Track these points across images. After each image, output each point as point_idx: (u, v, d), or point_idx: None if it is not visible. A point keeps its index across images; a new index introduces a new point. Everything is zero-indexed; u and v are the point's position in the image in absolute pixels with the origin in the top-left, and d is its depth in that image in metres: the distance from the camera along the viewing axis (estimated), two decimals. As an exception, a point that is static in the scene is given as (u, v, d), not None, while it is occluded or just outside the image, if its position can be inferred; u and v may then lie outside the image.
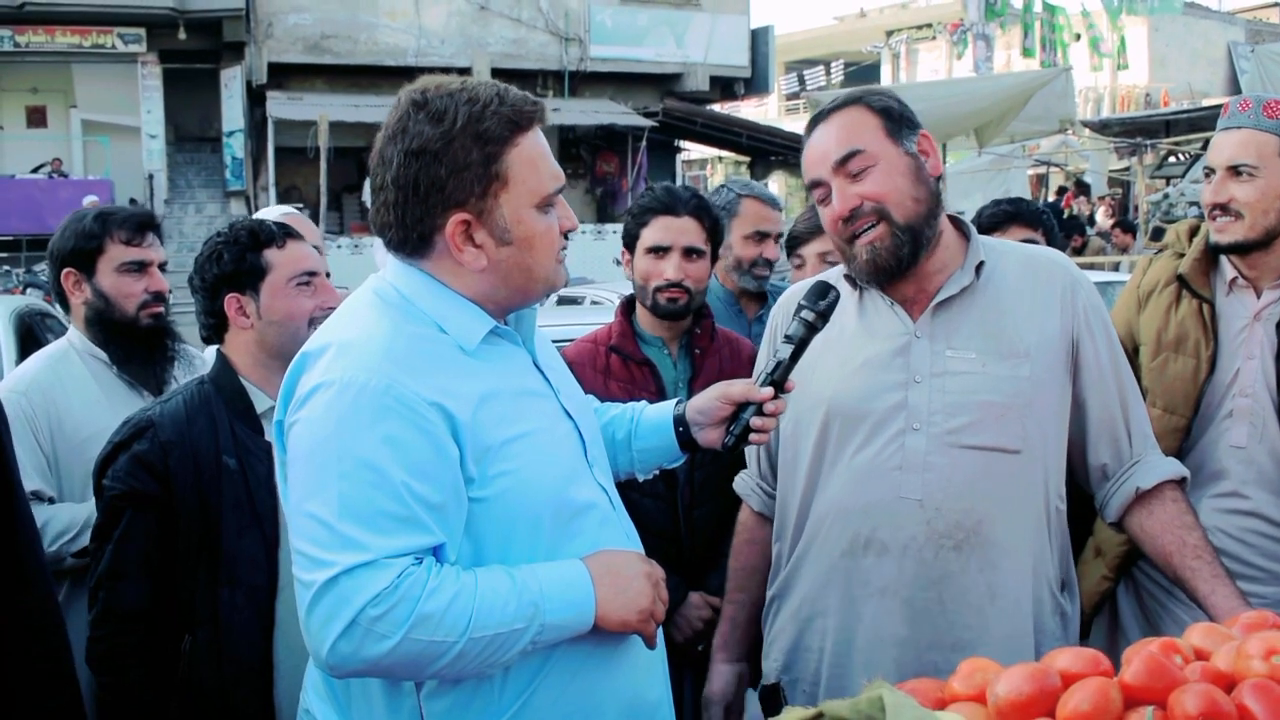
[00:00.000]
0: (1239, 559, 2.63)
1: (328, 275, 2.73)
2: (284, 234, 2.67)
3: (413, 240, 1.85)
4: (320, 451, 1.74)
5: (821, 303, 2.18)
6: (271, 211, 3.96)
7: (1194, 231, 2.88)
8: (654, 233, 3.06)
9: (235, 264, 2.59)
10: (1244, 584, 2.57)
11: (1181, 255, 2.85)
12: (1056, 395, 2.29)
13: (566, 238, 1.96)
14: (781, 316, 2.50)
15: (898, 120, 2.28)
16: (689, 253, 3.04)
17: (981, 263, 2.31)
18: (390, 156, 1.82)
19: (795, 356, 2.16)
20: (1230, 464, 2.69)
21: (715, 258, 3.19)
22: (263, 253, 2.61)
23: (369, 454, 1.70)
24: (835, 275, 2.43)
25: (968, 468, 2.23)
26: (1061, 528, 2.34)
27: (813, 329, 2.17)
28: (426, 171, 1.79)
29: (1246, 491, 2.67)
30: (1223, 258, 2.77)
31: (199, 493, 2.47)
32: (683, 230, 3.04)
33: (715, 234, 3.14)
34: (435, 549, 1.75)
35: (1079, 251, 13.22)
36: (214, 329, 2.67)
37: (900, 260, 2.25)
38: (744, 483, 2.64)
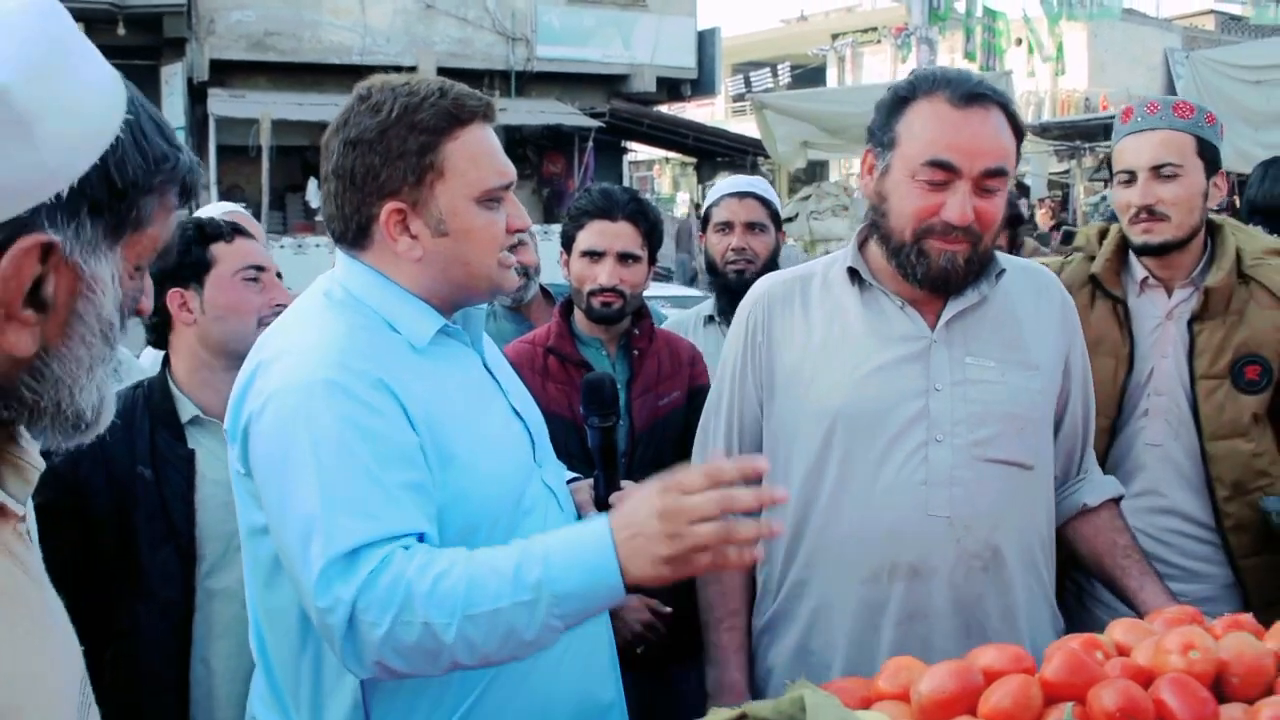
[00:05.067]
0: (1159, 559, 2.64)
1: (279, 275, 2.68)
2: (233, 230, 2.63)
3: (352, 230, 1.87)
4: (287, 459, 1.70)
5: (606, 409, 2.08)
6: (215, 208, 3.90)
7: (1103, 234, 2.92)
8: (589, 236, 3.04)
9: (180, 257, 2.53)
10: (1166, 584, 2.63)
11: (1093, 258, 2.88)
12: (1053, 410, 2.27)
13: (518, 239, 1.95)
14: (761, 313, 2.31)
15: (1020, 145, 2.20)
16: (624, 258, 3.03)
17: (1002, 271, 2.23)
18: (333, 148, 1.86)
19: (610, 464, 2.06)
20: (1147, 461, 2.73)
21: (654, 260, 3.18)
22: (209, 247, 2.56)
23: (333, 447, 1.67)
24: (825, 265, 2.33)
25: (992, 483, 2.14)
26: (1054, 544, 2.31)
27: (609, 432, 2.09)
28: (362, 160, 1.82)
29: (1163, 489, 2.72)
30: (1133, 258, 2.81)
31: (112, 503, 2.40)
32: (618, 235, 3.03)
33: (653, 238, 3.13)
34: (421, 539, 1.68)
35: (1015, 252, 13.38)
36: (157, 329, 2.61)
37: (964, 282, 2.16)
38: None
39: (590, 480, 2.11)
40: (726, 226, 3.60)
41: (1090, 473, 2.39)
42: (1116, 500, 2.38)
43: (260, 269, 2.60)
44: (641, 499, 1.59)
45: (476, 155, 1.86)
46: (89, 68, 1.01)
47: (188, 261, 2.54)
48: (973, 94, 2.11)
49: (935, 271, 2.12)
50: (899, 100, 2.18)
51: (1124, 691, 1.50)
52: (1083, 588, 2.74)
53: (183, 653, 2.42)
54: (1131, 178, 2.74)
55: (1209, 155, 2.73)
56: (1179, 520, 2.72)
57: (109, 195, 1.00)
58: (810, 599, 2.20)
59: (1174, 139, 2.70)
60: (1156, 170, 2.70)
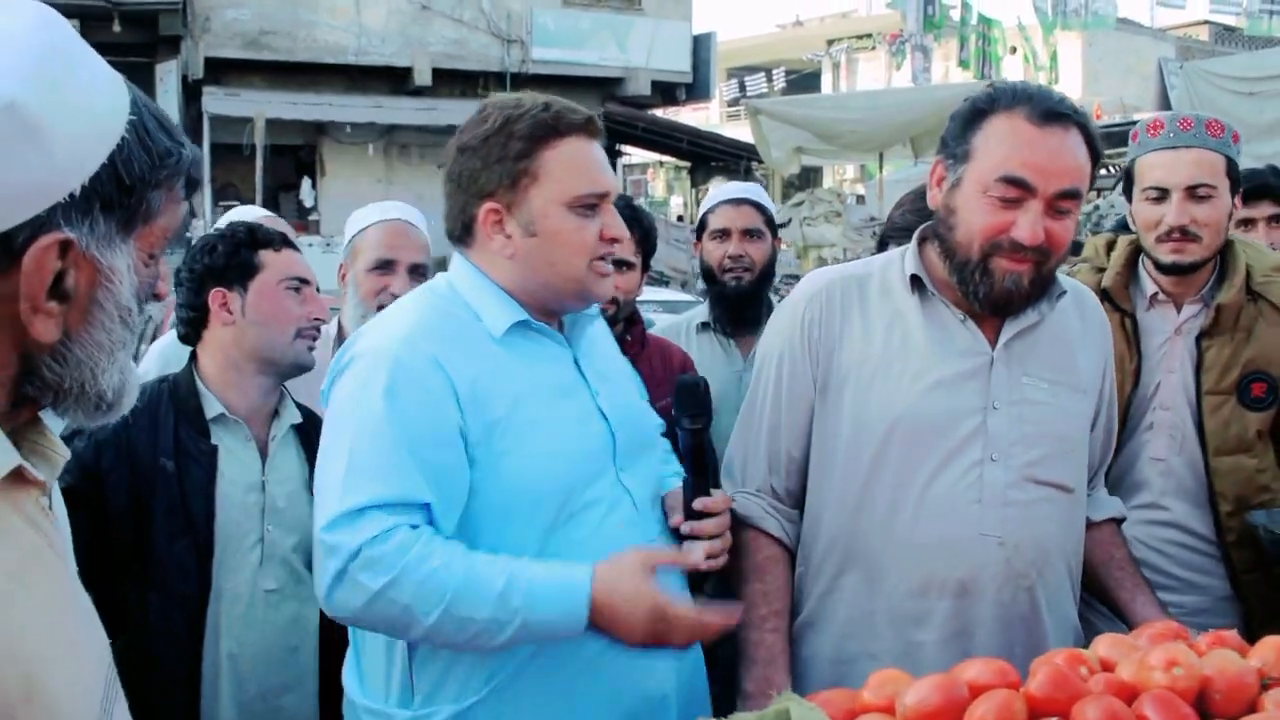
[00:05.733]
0: (1158, 569, 2.68)
1: (318, 289, 2.71)
2: (282, 240, 2.68)
3: (459, 229, 2.05)
4: (338, 418, 1.93)
5: (696, 411, 2.09)
6: (248, 213, 3.92)
7: (1110, 245, 2.91)
8: None
9: (228, 258, 2.58)
10: (1163, 594, 2.63)
11: (1100, 270, 2.86)
12: (1089, 433, 2.27)
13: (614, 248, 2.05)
14: (818, 310, 2.23)
15: (1096, 168, 2.14)
16: (617, 264, 3.03)
17: (1063, 293, 2.19)
18: (451, 155, 2.05)
19: (698, 468, 2.07)
20: (1150, 475, 2.72)
21: (646, 268, 3.19)
22: (258, 252, 2.60)
23: (373, 414, 1.86)
24: (882, 267, 2.27)
25: (1041, 505, 2.13)
26: (1081, 566, 2.30)
27: (698, 434, 2.09)
28: (468, 164, 2.01)
29: (1166, 503, 2.71)
30: (1143, 272, 2.80)
31: (132, 494, 2.44)
32: None
33: (646, 245, 3.14)
34: (429, 513, 1.85)
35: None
36: (193, 325, 2.62)
37: (1025, 304, 2.13)
38: (754, 505, 2.27)
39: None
40: (723, 234, 3.57)
41: (1098, 490, 2.40)
42: (1118, 521, 2.39)
43: (303, 281, 2.65)
44: (639, 583, 1.81)
45: (570, 164, 1.98)
46: (91, 74, 1.08)
47: (235, 263, 2.57)
48: (1053, 112, 2.05)
49: (998, 292, 2.08)
50: (977, 113, 2.12)
51: (1107, 707, 1.51)
52: (1083, 599, 2.75)
53: (195, 646, 2.44)
54: (1162, 195, 2.69)
55: (1235, 174, 2.71)
56: (1180, 533, 2.72)
57: (119, 192, 1.07)
58: (849, 605, 2.17)
59: (1207, 158, 2.66)
60: (1192, 190, 2.65)
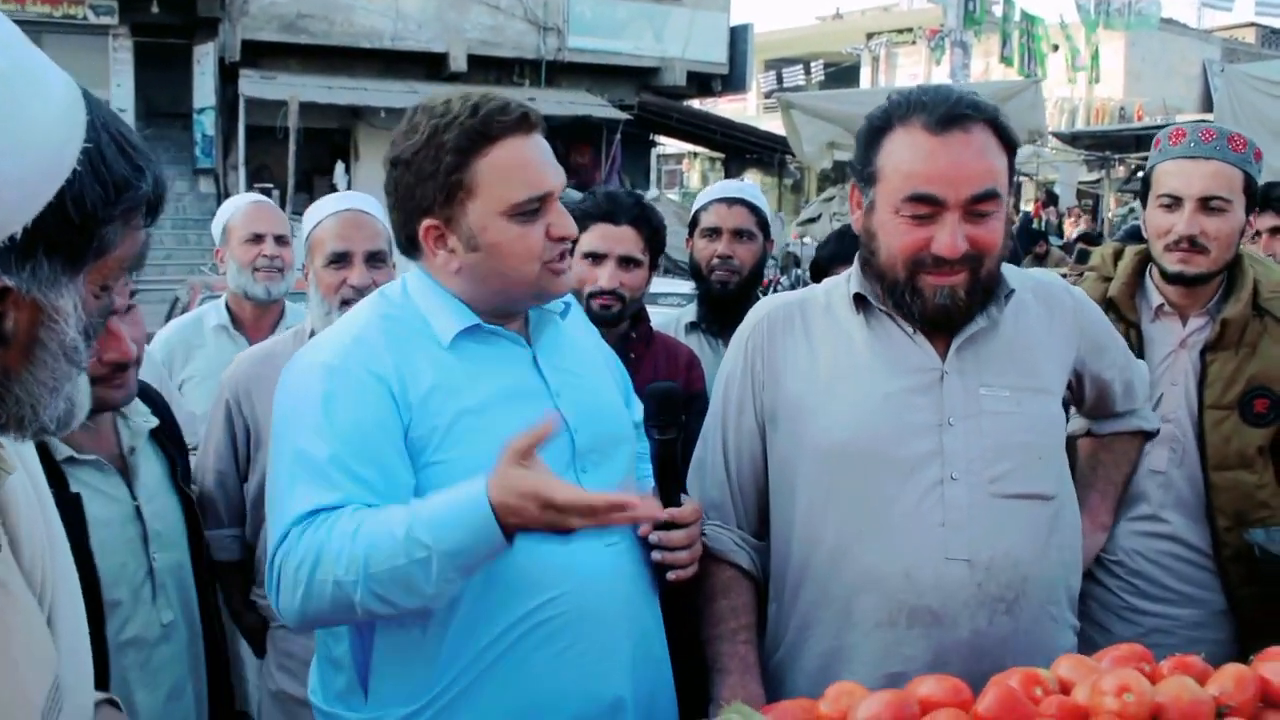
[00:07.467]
0: (1155, 581, 2.70)
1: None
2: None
3: (403, 242, 2.02)
4: (278, 435, 1.91)
5: (664, 420, 2.03)
6: (242, 199, 3.94)
7: (1118, 255, 2.89)
8: (591, 239, 3.02)
9: None
10: (1160, 607, 2.67)
11: (1107, 279, 2.85)
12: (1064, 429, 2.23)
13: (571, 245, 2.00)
14: (760, 339, 2.19)
15: (1014, 159, 2.06)
16: (625, 261, 3.02)
17: (1011, 292, 2.10)
18: (387, 167, 1.99)
19: (667, 477, 2.04)
20: (1149, 488, 2.72)
21: (655, 265, 3.18)
22: None
23: (311, 426, 1.84)
24: (827, 290, 2.23)
25: (1013, 520, 2.03)
26: (1079, 570, 2.23)
27: (667, 445, 2.04)
28: (402, 179, 1.94)
29: (1165, 515, 2.71)
30: (1149, 283, 2.79)
31: None
32: (620, 239, 3.01)
33: (655, 243, 3.13)
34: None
35: (1040, 260, 13.35)
36: None
37: (968, 313, 2.04)
38: (725, 538, 2.20)
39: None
40: (714, 232, 3.54)
41: (1142, 408, 2.55)
42: (1147, 435, 2.61)
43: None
44: (515, 475, 1.68)
45: (506, 171, 1.90)
46: (41, 100, 0.98)
47: None
48: (950, 116, 1.97)
49: (934, 308, 2.01)
50: (875, 130, 2.05)
51: (1055, 730, 1.51)
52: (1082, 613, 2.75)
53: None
54: (1175, 203, 2.67)
55: (1251, 191, 2.69)
56: (1178, 546, 2.71)
57: (66, 230, 0.99)
58: (820, 642, 2.09)
59: (1225, 172, 2.65)
60: (1205, 202, 2.64)
